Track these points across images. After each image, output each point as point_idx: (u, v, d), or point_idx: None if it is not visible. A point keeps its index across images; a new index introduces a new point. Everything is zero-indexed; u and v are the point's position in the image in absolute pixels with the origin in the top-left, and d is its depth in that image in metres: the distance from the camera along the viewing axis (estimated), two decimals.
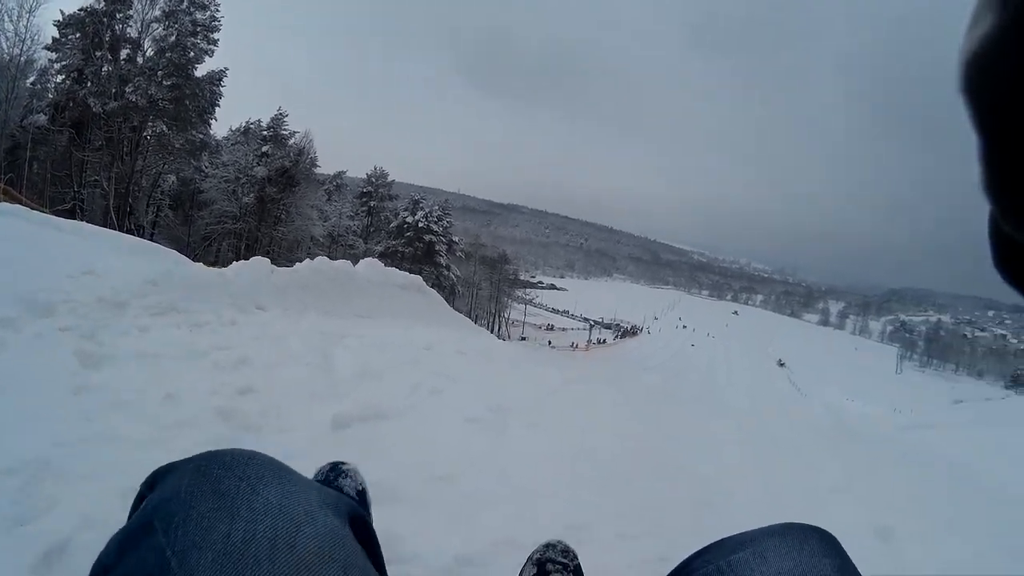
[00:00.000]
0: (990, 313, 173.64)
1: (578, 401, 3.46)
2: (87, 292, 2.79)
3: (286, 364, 2.67)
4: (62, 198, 17.92)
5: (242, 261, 4.17)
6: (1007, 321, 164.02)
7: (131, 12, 19.38)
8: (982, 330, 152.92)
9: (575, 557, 1.08)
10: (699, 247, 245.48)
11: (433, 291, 8.43)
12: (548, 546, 1.09)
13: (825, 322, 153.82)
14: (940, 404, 44.76)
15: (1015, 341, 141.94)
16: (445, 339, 4.25)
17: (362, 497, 1.06)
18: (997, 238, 0.28)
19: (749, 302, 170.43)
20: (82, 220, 17.95)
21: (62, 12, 19.07)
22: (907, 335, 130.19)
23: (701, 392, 8.99)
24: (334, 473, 1.06)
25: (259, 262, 4.15)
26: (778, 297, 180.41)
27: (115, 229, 18.61)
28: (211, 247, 21.29)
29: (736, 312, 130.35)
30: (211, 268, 4.86)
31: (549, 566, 1.04)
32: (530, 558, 1.08)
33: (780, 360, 69.85)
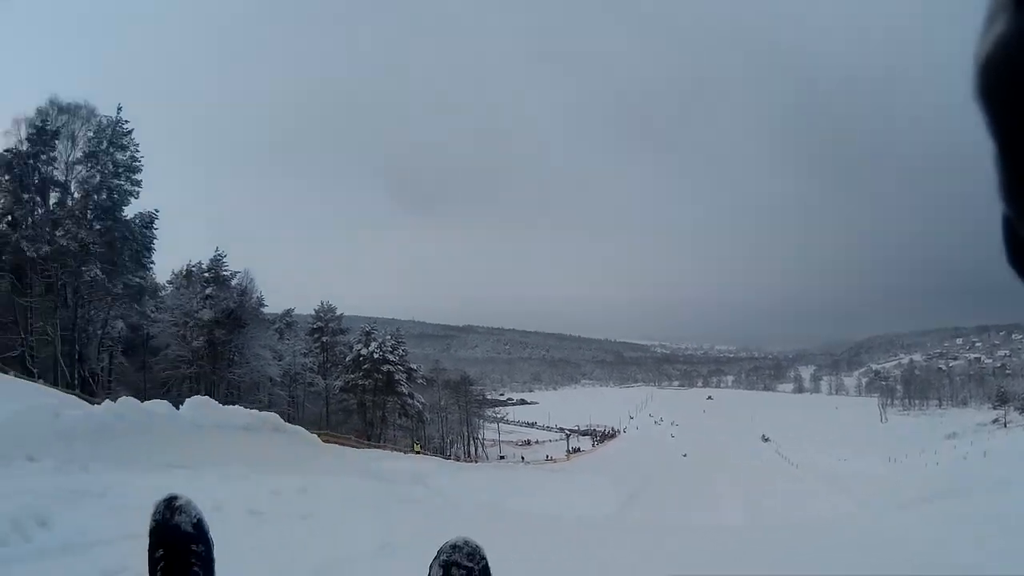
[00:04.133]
0: (958, 341, 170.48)
1: None
2: None
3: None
4: (10, 345, 17.98)
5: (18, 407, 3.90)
6: (977, 344, 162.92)
7: (55, 154, 19.53)
8: (955, 359, 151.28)
9: (482, 559, 1.06)
10: (660, 340, 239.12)
11: (298, 428, 7.67)
12: (455, 548, 1.08)
13: (800, 389, 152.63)
14: (933, 442, 46.34)
15: (990, 360, 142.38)
16: (285, 491, 3.78)
17: (199, 528, 1.13)
18: (1012, 240, 0.29)
19: (720, 384, 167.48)
20: (32, 367, 18.28)
21: None
22: (883, 383, 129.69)
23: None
24: (169, 511, 1.13)
25: (42, 406, 3.85)
26: (748, 374, 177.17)
27: (66, 376, 18.35)
28: (170, 392, 20.46)
29: (710, 397, 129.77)
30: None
31: (454, 570, 1.04)
32: (436, 559, 1.08)
33: (764, 435, 69.53)
